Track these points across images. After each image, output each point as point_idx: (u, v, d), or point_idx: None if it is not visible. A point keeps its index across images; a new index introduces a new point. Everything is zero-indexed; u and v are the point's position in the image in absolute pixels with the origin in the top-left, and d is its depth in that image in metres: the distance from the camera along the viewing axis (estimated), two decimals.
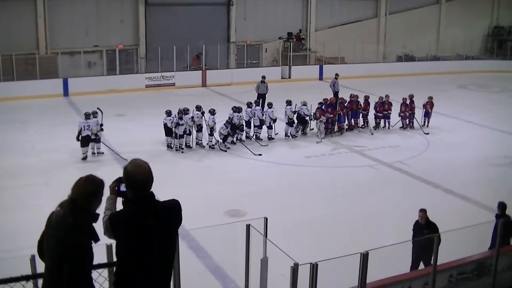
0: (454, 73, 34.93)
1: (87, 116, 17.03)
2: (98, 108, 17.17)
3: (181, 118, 17.74)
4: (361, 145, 19.49)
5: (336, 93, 23.40)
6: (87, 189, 3.94)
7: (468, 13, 39.36)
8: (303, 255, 6.36)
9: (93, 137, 16.98)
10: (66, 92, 26.83)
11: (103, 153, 17.41)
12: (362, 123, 21.67)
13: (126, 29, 30.87)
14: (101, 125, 17.11)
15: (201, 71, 30.52)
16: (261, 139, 19.48)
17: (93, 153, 17.26)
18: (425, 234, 9.36)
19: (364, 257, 6.31)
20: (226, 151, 18.24)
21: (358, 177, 16.34)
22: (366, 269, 6.40)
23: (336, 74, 24.04)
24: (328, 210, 13.66)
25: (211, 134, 18.40)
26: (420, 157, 18.36)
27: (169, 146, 18.15)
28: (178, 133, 17.84)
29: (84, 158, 16.80)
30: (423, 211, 9.78)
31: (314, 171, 16.91)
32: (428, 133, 21.10)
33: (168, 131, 18.06)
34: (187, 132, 18.13)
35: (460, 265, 8.48)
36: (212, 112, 18.38)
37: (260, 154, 18.07)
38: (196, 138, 18.47)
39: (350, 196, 14.76)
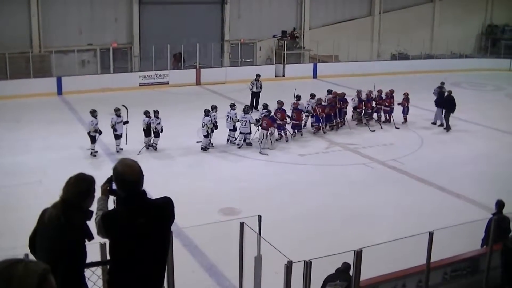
0: (447, 71, 34.95)
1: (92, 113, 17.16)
2: (123, 105, 17.41)
3: (157, 118, 17.63)
4: (355, 143, 19.52)
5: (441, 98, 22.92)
6: (79, 188, 3.92)
7: (462, 12, 39.41)
8: (297, 253, 6.37)
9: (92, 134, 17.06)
10: (59, 91, 26.72)
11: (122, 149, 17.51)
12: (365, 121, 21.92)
13: (120, 28, 30.78)
14: (126, 122, 17.39)
15: (195, 69, 30.47)
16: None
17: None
18: None
19: (358, 255, 6.34)
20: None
21: (352, 175, 16.36)
22: (360, 267, 6.43)
23: (442, 83, 24.06)
24: (322, 208, 13.67)
25: (233, 130, 18.42)
26: (414, 155, 18.41)
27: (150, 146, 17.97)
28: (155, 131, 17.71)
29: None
30: None
31: (308, 169, 16.93)
32: (398, 128, 21.53)
33: (148, 131, 17.85)
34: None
35: (453, 262, 8.52)
36: (233, 106, 18.50)
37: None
38: None
39: (344, 194, 14.78)
